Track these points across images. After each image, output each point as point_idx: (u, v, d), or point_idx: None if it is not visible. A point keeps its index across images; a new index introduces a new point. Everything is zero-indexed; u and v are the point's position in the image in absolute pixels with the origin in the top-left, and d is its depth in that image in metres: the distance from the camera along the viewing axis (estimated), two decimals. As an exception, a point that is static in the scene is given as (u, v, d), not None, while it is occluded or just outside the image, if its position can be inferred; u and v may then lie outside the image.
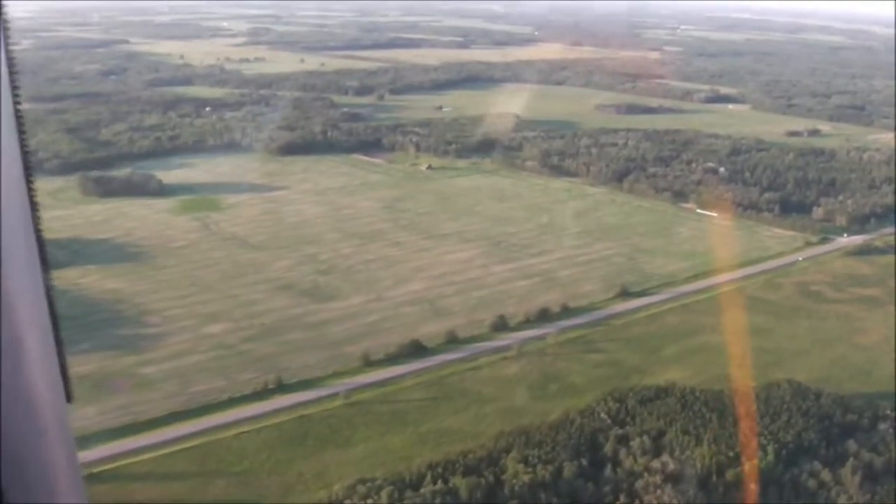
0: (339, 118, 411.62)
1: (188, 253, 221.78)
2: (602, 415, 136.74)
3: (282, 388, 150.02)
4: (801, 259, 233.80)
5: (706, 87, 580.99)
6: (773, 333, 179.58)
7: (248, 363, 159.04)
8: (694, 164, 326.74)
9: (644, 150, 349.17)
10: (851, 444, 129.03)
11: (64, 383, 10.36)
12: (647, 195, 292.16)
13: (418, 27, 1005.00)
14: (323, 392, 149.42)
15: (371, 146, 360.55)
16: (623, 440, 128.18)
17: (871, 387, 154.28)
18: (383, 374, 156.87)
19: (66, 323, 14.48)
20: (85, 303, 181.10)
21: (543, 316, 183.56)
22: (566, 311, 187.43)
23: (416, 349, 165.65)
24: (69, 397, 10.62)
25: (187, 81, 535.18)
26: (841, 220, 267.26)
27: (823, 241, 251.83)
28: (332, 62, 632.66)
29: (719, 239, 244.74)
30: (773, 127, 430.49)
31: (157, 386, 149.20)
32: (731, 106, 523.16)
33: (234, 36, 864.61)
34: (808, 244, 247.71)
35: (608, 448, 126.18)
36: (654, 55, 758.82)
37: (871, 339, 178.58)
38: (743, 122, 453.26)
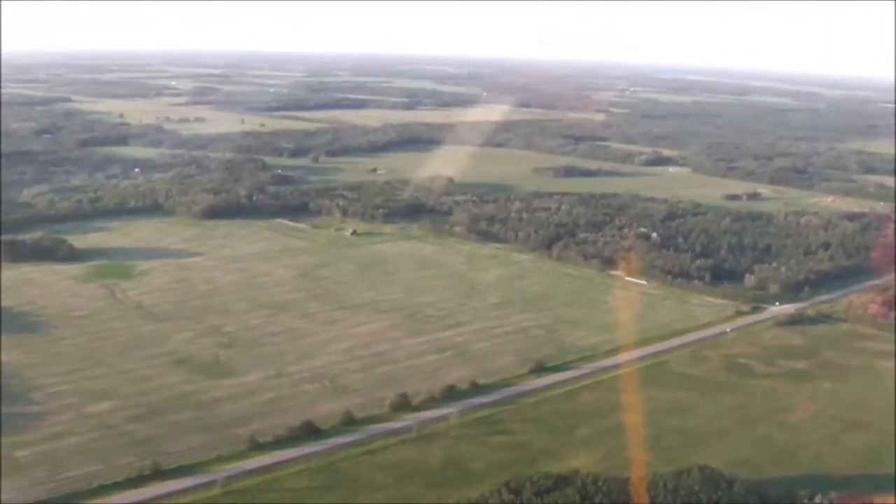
0: (268, 181, 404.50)
1: (87, 324, 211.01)
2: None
3: (158, 473, 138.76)
4: (729, 330, 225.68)
5: (648, 149, 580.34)
6: (694, 412, 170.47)
7: (129, 446, 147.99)
8: (626, 230, 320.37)
9: (577, 214, 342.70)
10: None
11: None
12: (576, 262, 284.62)
13: (366, 87, 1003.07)
14: (200, 479, 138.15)
15: (297, 210, 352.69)
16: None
17: (792, 470, 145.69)
18: (269, 458, 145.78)
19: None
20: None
21: (450, 394, 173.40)
22: (475, 389, 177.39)
23: (309, 431, 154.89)
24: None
25: (122, 141, 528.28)
26: (774, 288, 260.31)
27: (755, 310, 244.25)
28: (272, 123, 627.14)
29: (645, 309, 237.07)
30: (713, 190, 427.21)
31: (25, 472, 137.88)
32: (672, 168, 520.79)
33: (178, 95, 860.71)
34: (739, 314, 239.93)
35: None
36: (600, 117, 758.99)
37: (798, 417, 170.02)
38: (682, 184, 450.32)
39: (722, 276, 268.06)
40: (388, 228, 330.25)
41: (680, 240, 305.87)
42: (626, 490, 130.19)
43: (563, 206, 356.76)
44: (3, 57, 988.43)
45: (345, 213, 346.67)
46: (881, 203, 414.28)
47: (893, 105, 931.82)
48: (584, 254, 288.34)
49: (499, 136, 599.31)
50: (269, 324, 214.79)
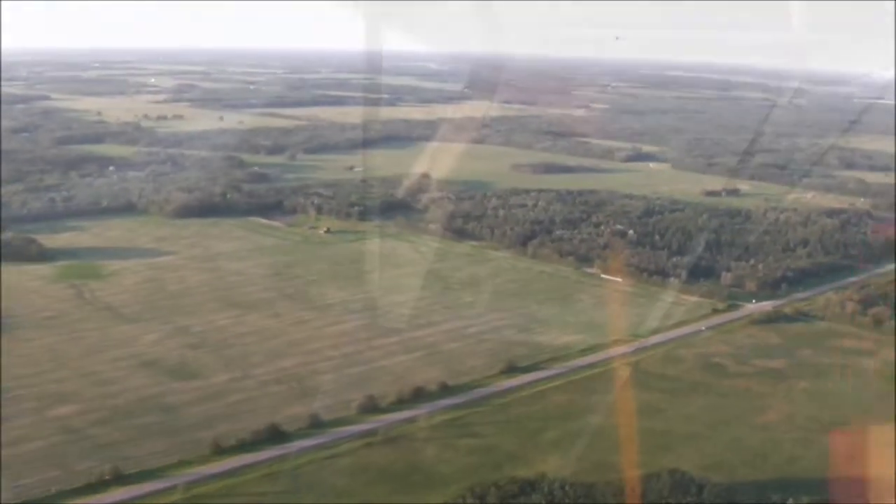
0: (243, 178, 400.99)
1: (54, 325, 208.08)
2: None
3: (119, 479, 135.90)
4: (704, 328, 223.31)
5: (628, 145, 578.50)
6: (667, 413, 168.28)
7: (91, 450, 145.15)
8: (603, 227, 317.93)
9: (553, 211, 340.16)
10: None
11: None
12: (551, 259, 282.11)
13: (348, 84, 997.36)
14: (161, 484, 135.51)
15: (272, 208, 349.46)
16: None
17: (764, 473, 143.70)
18: (232, 462, 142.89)
19: None
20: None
21: (419, 395, 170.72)
22: (445, 390, 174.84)
23: (274, 434, 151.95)
24: None
25: (99, 139, 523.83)
26: (751, 286, 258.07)
27: (731, 308, 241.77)
28: (251, 120, 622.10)
29: (620, 307, 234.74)
30: (691, 186, 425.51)
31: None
32: (652, 164, 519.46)
33: (158, 93, 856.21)
34: (715, 311, 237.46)
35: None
36: (580, 112, 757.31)
37: (772, 418, 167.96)
38: (661, 180, 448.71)
39: (699, 274, 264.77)
40: (362, 226, 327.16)
41: (657, 237, 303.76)
42: (593, 496, 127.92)
43: (539, 203, 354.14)
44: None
45: (319, 210, 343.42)
46: (861, 199, 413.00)
47: (873, 100, 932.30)
48: (559, 251, 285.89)
49: (478, 133, 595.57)
50: (238, 324, 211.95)
